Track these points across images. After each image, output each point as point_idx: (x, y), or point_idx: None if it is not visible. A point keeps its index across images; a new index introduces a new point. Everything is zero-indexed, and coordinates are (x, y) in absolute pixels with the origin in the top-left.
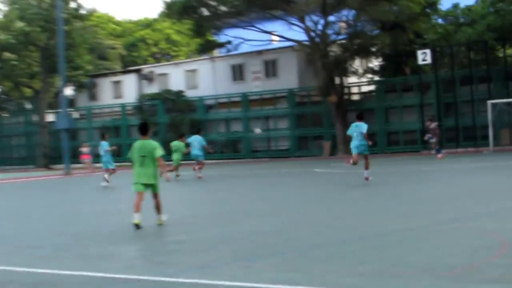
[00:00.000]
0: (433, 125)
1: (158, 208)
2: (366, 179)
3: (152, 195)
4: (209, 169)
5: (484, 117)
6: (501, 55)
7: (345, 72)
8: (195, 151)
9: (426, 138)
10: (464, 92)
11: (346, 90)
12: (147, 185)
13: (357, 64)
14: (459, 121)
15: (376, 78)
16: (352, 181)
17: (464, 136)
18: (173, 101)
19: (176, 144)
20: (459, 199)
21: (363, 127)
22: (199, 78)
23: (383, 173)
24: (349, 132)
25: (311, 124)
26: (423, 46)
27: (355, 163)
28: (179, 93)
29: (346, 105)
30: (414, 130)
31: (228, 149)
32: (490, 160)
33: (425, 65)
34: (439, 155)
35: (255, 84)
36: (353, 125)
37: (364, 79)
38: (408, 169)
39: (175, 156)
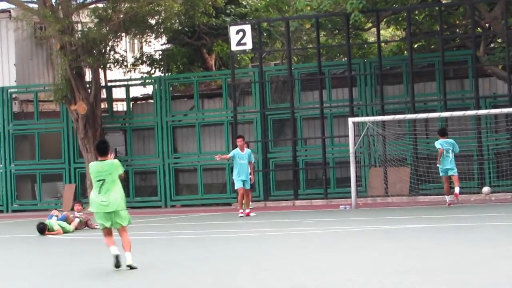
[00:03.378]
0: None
1: (126, 244)
2: (456, 196)
3: (118, 231)
4: None
5: (315, 147)
6: (372, 38)
7: (102, 62)
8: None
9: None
10: (308, 101)
11: (104, 94)
12: (110, 214)
13: (124, 48)
14: (297, 152)
15: (158, 73)
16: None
17: (307, 180)
18: None
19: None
20: None
21: (455, 144)
22: None
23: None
24: (441, 146)
25: (41, 153)
26: (240, 19)
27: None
28: None
29: (103, 120)
30: (222, 168)
31: None
32: (350, 222)
33: (244, 52)
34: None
35: None
36: (443, 141)
37: (136, 75)
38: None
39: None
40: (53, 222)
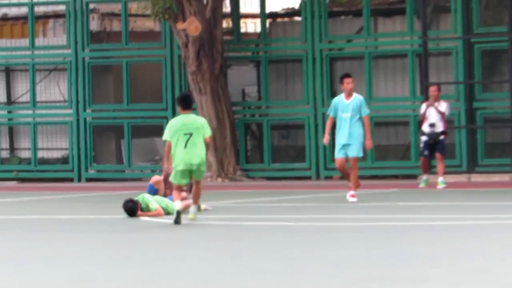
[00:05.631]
0: (443, 107)
1: (196, 196)
2: None
3: (194, 182)
4: None
5: None
6: None
7: None
8: None
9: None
10: None
11: (228, 6)
12: (192, 170)
13: None
14: None
15: None
16: None
17: None
18: None
19: None
20: None
21: None
22: None
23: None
24: None
25: (131, 94)
26: None
27: None
28: None
29: (225, 46)
30: (404, 122)
31: None
32: None
33: None
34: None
35: None
36: None
37: None
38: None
39: None
40: (149, 197)
